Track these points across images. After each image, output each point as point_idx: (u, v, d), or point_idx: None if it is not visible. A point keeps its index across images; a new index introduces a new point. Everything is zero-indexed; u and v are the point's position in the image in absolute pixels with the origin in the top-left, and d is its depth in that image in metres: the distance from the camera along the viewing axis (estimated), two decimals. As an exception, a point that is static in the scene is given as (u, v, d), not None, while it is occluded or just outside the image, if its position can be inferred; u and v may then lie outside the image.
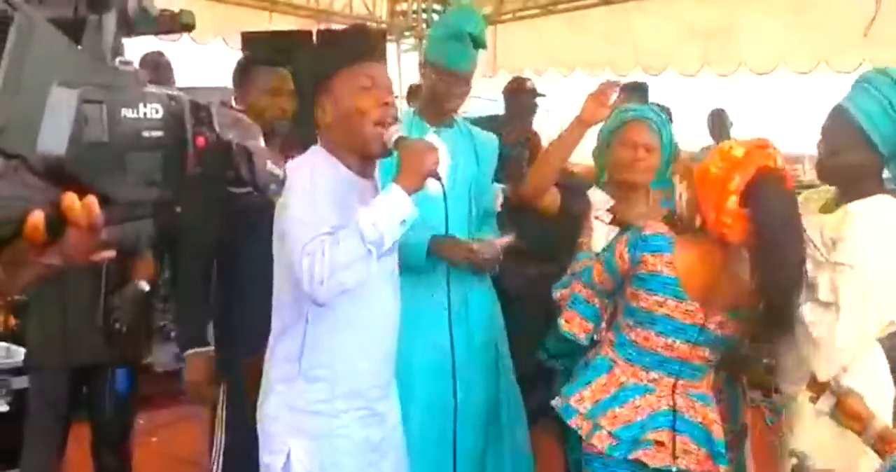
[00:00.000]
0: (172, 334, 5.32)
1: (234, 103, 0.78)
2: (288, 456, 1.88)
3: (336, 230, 1.75)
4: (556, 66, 7.56)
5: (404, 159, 1.84)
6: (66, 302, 2.74)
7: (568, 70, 7.54)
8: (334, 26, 6.31)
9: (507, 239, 2.54)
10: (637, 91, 4.89)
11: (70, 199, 0.62)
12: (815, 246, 2.02)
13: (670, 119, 4.83)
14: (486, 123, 3.59)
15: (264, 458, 1.94)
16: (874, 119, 1.98)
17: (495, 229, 2.71)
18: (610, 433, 2.01)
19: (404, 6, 7.78)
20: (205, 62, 6.26)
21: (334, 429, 1.92)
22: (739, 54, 6.45)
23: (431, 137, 2.02)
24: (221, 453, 2.61)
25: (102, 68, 0.67)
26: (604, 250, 2.29)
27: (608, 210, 2.58)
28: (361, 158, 1.94)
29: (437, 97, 2.53)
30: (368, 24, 6.62)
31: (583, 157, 2.85)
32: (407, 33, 7.77)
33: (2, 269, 0.63)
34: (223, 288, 2.65)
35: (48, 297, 2.77)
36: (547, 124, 9.85)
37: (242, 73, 2.75)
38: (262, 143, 0.78)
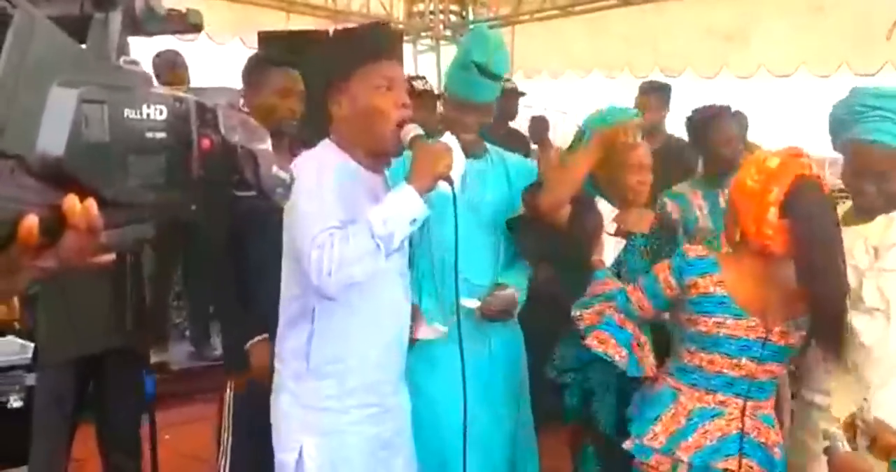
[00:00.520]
0: (187, 332, 5.37)
1: (241, 105, 0.77)
2: (300, 453, 1.89)
3: (345, 224, 1.76)
4: (574, 67, 7.53)
5: (419, 160, 1.83)
6: (75, 293, 2.73)
7: (585, 72, 7.50)
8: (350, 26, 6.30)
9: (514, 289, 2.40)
10: (659, 91, 4.85)
11: (71, 201, 0.61)
12: (854, 255, 2.00)
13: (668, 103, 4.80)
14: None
15: (278, 455, 1.95)
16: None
17: (523, 268, 2.53)
18: (688, 463, 2.00)
19: (421, 7, 7.78)
20: (222, 62, 6.29)
21: (345, 426, 1.92)
22: (759, 57, 6.39)
23: (448, 137, 1.99)
24: (229, 451, 2.61)
25: (105, 68, 0.66)
26: (626, 272, 2.27)
27: (612, 220, 2.55)
28: (375, 155, 1.95)
29: (450, 127, 2.38)
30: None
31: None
32: (424, 34, 7.77)
33: None
34: (231, 290, 2.64)
35: (57, 290, 2.76)
36: (563, 126, 9.83)
37: (252, 72, 2.74)
38: (268, 146, 0.76)
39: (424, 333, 2.27)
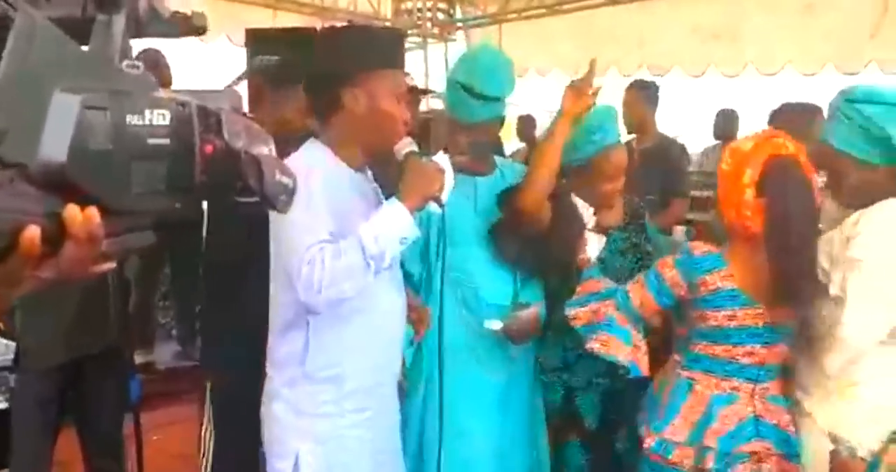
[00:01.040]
0: (173, 331, 5.34)
1: (245, 109, 0.75)
2: (296, 461, 1.87)
3: (335, 238, 1.75)
4: (561, 66, 7.52)
5: (410, 178, 1.83)
6: (59, 296, 2.70)
7: (573, 70, 7.49)
8: (338, 24, 6.28)
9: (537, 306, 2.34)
10: (646, 89, 4.87)
11: (72, 210, 0.59)
12: (831, 245, 2.03)
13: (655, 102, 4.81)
14: None
15: (272, 463, 1.93)
16: (852, 141, 2.02)
17: (539, 288, 2.47)
18: (717, 450, 2.01)
19: (409, 5, 7.75)
20: (208, 60, 6.24)
21: (342, 430, 1.90)
22: (746, 55, 6.42)
23: (441, 157, 1.96)
24: (211, 452, 2.59)
25: (108, 72, 0.64)
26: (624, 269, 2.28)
27: (593, 215, 2.54)
28: (368, 153, 1.94)
29: (446, 145, 2.33)
30: (373, 23, 6.60)
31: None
32: (411, 32, 7.75)
33: None
34: (210, 289, 2.62)
35: (39, 292, 2.71)
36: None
37: (258, 99, 2.67)
38: (272, 151, 0.74)
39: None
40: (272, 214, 1.86)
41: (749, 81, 6.61)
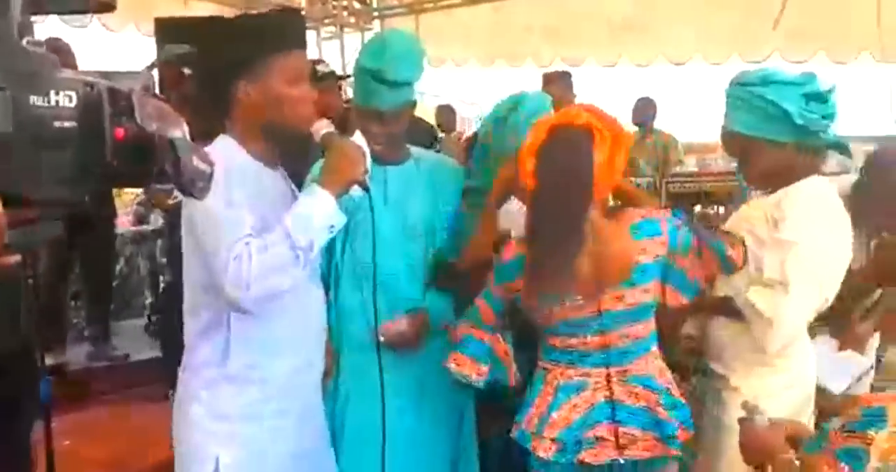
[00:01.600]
0: (86, 332, 5.15)
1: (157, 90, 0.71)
2: (216, 467, 1.79)
3: (257, 231, 1.68)
4: (478, 56, 7.58)
5: (332, 161, 1.77)
6: None
7: (489, 61, 7.56)
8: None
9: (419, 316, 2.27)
10: (561, 79, 4.98)
11: None
12: (755, 227, 2.08)
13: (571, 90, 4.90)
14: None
15: (188, 469, 1.84)
16: (757, 124, 2.09)
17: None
18: (552, 439, 1.95)
19: (325, -7, 7.64)
20: (117, 50, 6.02)
21: (266, 432, 1.84)
22: (656, 46, 6.67)
23: (359, 137, 1.90)
24: None
25: (6, 49, 0.60)
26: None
27: None
28: (274, 143, 1.87)
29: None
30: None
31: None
32: (327, 21, 7.65)
33: None
34: (171, 292, 2.51)
35: None
36: (468, 116, 9.88)
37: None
38: (186, 134, 0.71)
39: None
40: (185, 212, 1.79)
41: (659, 71, 6.86)
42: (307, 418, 1.95)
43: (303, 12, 7.27)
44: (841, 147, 2.18)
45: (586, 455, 1.93)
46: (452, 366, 2.09)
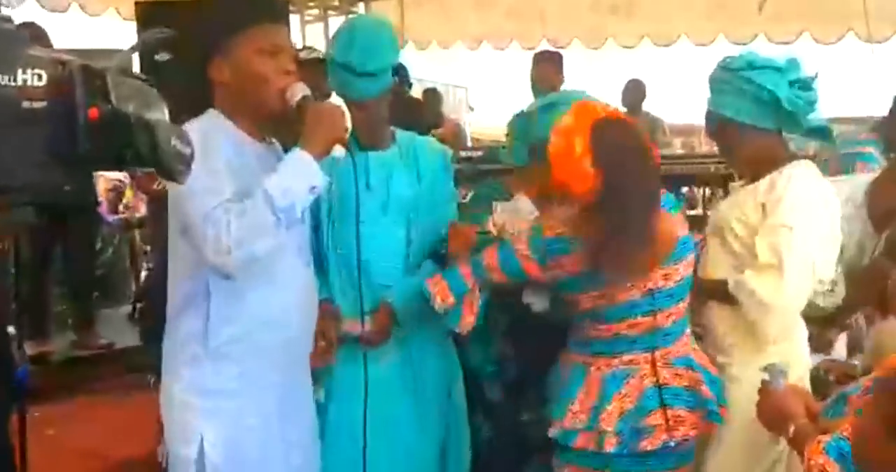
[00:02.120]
0: (70, 321, 5.10)
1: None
2: (201, 445, 1.78)
3: (238, 197, 1.68)
4: (463, 39, 7.52)
5: (311, 123, 1.75)
6: None
7: (476, 43, 7.51)
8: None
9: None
10: (550, 60, 4.96)
11: None
12: (746, 212, 2.07)
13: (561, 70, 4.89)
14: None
15: (173, 449, 1.83)
16: (745, 109, 2.07)
17: (434, 269, 2.28)
18: (614, 432, 1.94)
19: (308, -24, 7.55)
20: (95, 35, 5.93)
21: (248, 407, 1.83)
22: (642, 28, 6.65)
23: (336, 97, 1.88)
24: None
25: (-30, 26, 0.57)
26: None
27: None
28: (260, 119, 1.86)
29: None
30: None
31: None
32: (311, 4, 7.56)
33: None
34: (160, 278, 2.46)
35: None
36: (454, 99, 9.84)
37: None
38: (165, 115, 0.68)
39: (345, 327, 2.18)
40: (171, 190, 1.77)
41: (646, 53, 6.85)
42: (292, 393, 1.93)
43: (285, -5, 7.19)
44: (823, 133, 2.17)
45: (645, 445, 1.94)
46: (430, 284, 2.07)
